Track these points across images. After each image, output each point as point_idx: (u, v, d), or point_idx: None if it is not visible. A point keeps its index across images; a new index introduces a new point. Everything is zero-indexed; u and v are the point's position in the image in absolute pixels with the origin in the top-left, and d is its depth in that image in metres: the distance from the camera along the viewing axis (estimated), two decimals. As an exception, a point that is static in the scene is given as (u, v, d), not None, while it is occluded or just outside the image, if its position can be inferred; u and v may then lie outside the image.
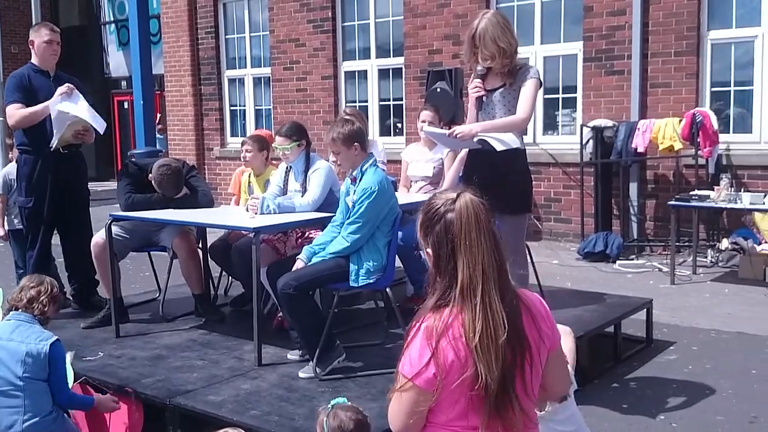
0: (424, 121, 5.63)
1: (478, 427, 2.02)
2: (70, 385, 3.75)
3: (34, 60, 5.36)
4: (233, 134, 12.75)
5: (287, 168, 4.99)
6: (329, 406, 2.48)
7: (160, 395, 3.81)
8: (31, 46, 5.33)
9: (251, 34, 12.27)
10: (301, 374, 4.03)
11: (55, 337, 3.54)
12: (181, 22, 12.81)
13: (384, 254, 4.14)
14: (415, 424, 2.07)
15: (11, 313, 3.61)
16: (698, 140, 7.68)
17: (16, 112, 5.17)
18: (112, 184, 15.15)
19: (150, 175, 5.08)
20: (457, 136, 4.14)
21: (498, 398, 1.98)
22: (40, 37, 5.31)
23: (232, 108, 12.79)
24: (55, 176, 5.28)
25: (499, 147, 4.12)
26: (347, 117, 4.85)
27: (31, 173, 5.26)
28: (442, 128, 5.73)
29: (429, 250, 2.06)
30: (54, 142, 5.15)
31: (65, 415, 3.66)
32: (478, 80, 4.20)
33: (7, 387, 3.42)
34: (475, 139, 4.18)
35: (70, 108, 5.13)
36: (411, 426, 2.07)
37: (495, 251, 2.03)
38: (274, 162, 5.73)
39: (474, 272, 2.00)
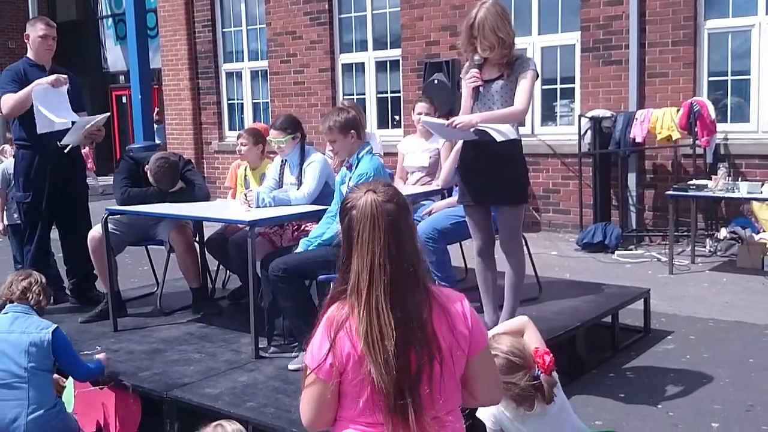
0: (420, 113, 5.62)
1: (383, 424, 1.98)
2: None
3: (29, 54, 5.35)
4: (231, 128, 12.73)
5: (282, 161, 4.98)
6: None
7: (157, 388, 3.82)
8: (26, 41, 5.32)
9: (248, 27, 12.24)
10: (290, 366, 4.01)
11: (55, 325, 3.60)
12: (178, 16, 12.79)
13: (378, 244, 4.13)
14: (321, 417, 2.05)
15: (7, 306, 3.63)
16: (696, 130, 7.67)
17: (8, 100, 5.16)
18: (111, 179, 15.16)
19: (146, 167, 5.08)
20: (456, 126, 4.09)
21: (396, 401, 1.95)
22: (35, 31, 5.29)
23: (229, 102, 12.77)
24: (53, 171, 5.28)
25: (498, 138, 4.10)
26: (342, 107, 4.85)
27: (29, 168, 5.25)
28: (437, 116, 5.75)
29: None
30: (67, 142, 5.12)
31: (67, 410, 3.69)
32: (475, 70, 4.16)
33: (12, 379, 3.44)
34: (473, 130, 4.17)
35: (53, 106, 5.07)
36: (318, 418, 2.05)
37: (396, 251, 1.97)
38: (270, 155, 5.73)
39: (362, 273, 1.97)
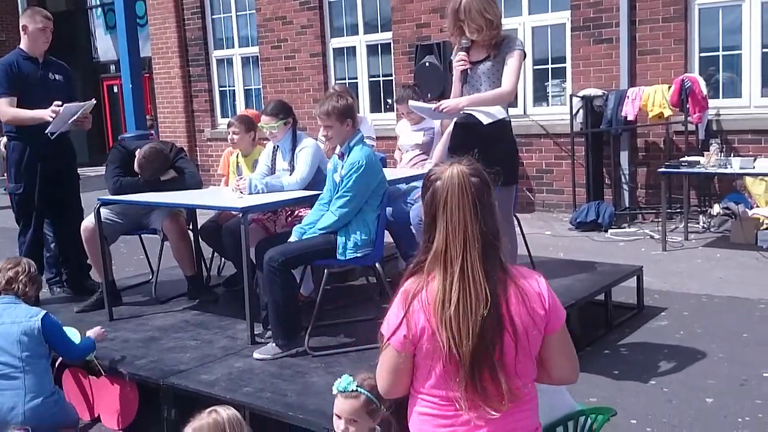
0: (402, 113, 5.68)
1: (456, 400, 2.03)
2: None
3: (23, 45, 5.30)
4: (223, 115, 12.69)
5: (274, 147, 4.98)
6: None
7: (153, 376, 3.83)
8: (23, 31, 5.26)
9: (238, 13, 12.18)
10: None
11: (44, 312, 3.62)
12: (167, 4, 12.71)
13: (372, 229, 4.14)
14: (396, 384, 2.13)
15: None
16: (687, 106, 7.67)
17: (7, 110, 5.11)
18: (103, 169, 15.13)
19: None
20: (444, 110, 4.13)
21: (474, 371, 1.98)
22: (34, 23, 5.24)
23: (221, 89, 12.73)
24: (45, 162, 5.27)
25: (485, 120, 4.12)
26: (339, 92, 4.83)
27: (20, 159, 5.24)
28: (426, 103, 5.75)
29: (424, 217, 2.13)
30: (53, 130, 5.09)
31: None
32: (463, 53, 4.17)
33: (7, 369, 3.46)
34: (462, 113, 4.18)
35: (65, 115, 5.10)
36: (393, 386, 2.13)
37: (483, 224, 2.03)
38: (261, 142, 5.72)
39: (453, 241, 2.01)
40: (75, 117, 5.11)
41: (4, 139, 5.52)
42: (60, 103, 5.05)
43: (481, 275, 2.00)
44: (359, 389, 2.40)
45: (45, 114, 5.03)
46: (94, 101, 5.32)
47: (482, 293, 1.99)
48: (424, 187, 2.13)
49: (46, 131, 5.08)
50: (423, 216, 2.14)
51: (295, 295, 4.18)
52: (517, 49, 4.15)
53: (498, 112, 4.18)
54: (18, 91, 5.14)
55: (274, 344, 4.03)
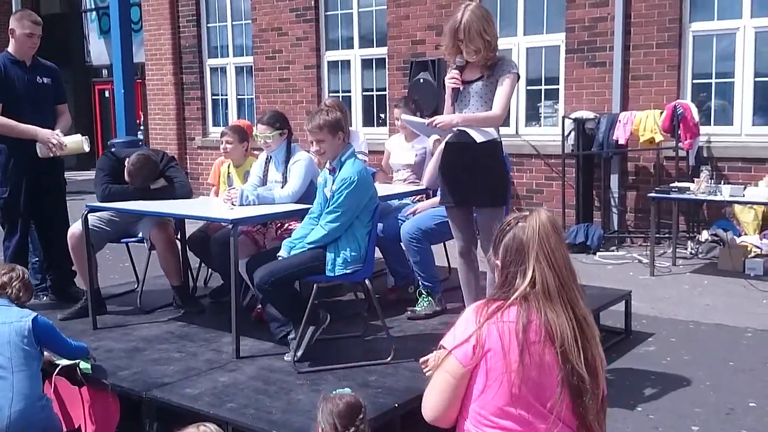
0: (397, 119, 5.65)
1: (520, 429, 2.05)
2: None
3: (10, 49, 5.25)
4: (215, 124, 12.65)
5: (267, 158, 4.96)
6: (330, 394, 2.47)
7: (136, 388, 3.77)
8: (10, 35, 5.21)
9: (233, 23, 12.17)
10: (287, 357, 4.05)
11: (35, 313, 3.62)
12: (163, 10, 12.69)
13: (363, 245, 4.12)
14: (445, 405, 2.10)
15: None
16: (679, 132, 7.71)
17: (1, 121, 5.07)
18: (93, 174, 15.03)
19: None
20: (437, 125, 4.13)
21: (588, 403, 2.06)
22: (21, 28, 5.20)
23: (214, 97, 12.70)
24: (31, 167, 5.21)
25: (479, 138, 4.11)
26: (327, 107, 4.81)
27: (7, 164, 5.18)
28: (416, 116, 5.73)
29: (498, 261, 2.21)
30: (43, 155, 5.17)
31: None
32: (456, 71, 4.17)
33: None
34: (454, 130, 4.18)
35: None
36: (444, 409, 2.10)
37: (570, 266, 2.17)
38: (254, 153, 5.69)
39: (548, 278, 2.11)
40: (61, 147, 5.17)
41: None
42: (59, 132, 5.11)
43: (571, 312, 2.11)
44: None
45: (40, 134, 5.05)
46: (87, 147, 5.33)
47: (592, 327, 2.13)
48: (503, 230, 2.22)
49: (52, 154, 5.14)
50: (502, 259, 2.19)
51: (296, 297, 4.20)
52: (511, 73, 4.15)
53: (491, 131, 4.18)
54: (4, 95, 5.09)
55: (293, 342, 4.04)
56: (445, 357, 2.09)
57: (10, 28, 5.21)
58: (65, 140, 5.19)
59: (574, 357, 2.03)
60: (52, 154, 5.15)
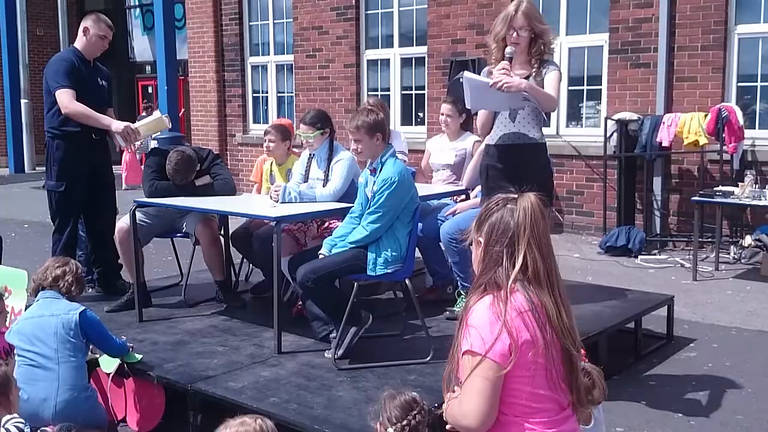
0: (444, 114, 5.65)
1: (562, 404, 2.17)
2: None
3: (79, 45, 5.36)
4: (255, 121, 12.80)
5: (310, 156, 5.01)
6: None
7: (181, 380, 3.85)
8: (83, 33, 5.32)
9: (275, 21, 12.28)
10: (327, 354, 4.11)
11: (83, 307, 3.71)
12: (206, 8, 12.85)
13: (403, 245, 4.15)
14: (490, 409, 2.08)
15: (39, 293, 3.73)
16: (723, 135, 7.60)
17: (76, 105, 5.16)
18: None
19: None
20: (503, 87, 3.87)
21: (579, 377, 2.20)
22: (98, 29, 5.32)
23: (254, 94, 12.83)
24: (86, 161, 5.35)
25: (542, 109, 4.10)
26: (370, 107, 4.85)
27: (64, 158, 5.28)
28: (462, 116, 5.71)
29: (481, 239, 2.22)
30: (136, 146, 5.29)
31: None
32: (506, 62, 4.08)
33: (43, 360, 3.53)
34: (509, 102, 4.04)
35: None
36: (489, 413, 2.08)
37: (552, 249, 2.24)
38: (295, 151, 5.76)
39: (539, 263, 2.15)
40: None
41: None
42: (134, 127, 5.24)
43: (562, 297, 2.19)
44: None
45: (114, 124, 5.17)
46: (168, 123, 5.49)
47: (567, 317, 2.19)
48: (489, 210, 2.22)
49: (130, 144, 5.27)
50: (487, 237, 2.20)
51: (338, 294, 4.23)
52: (555, 69, 4.15)
53: (551, 107, 4.19)
54: (76, 90, 5.21)
55: (336, 341, 4.08)
56: (479, 363, 2.05)
57: (84, 26, 5.32)
58: (140, 124, 5.32)
59: (566, 335, 2.13)
60: (128, 143, 5.25)
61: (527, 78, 4.11)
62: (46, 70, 5.31)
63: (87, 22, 5.36)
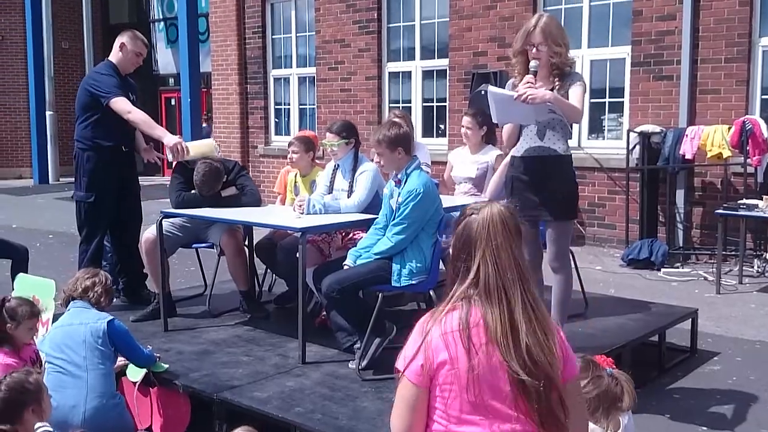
0: (463, 127, 5.68)
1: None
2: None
3: (114, 59, 5.45)
4: (277, 132, 12.89)
5: (335, 167, 5.06)
6: None
7: (207, 390, 3.90)
8: (119, 48, 5.42)
9: (297, 34, 12.39)
10: (351, 365, 4.13)
11: (111, 316, 3.80)
12: (230, 22, 12.99)
13: (428, 256, 4.18)
14: (409, 426, 2.01)
15: (70, 303, 3.80)
16: (747, 148, 7.55)
17: (138, 112, 5.27)
18: (158, 179, 15.43)
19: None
20: (528, 99, 3.90)
21: (547, 403, 1.95)
22: (135, 46, 5.43)
23: (276, 106, 12.93)
24: (117, 172, 5.44)
25: (567, 120, 4.10)
26: (396, 120, 4.89)
27: (94, 169, 5.37)
28: (483, 129, 5.73)
29: (451, 251, 2.13)
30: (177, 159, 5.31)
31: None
32: (530, 76, 4.11)
33: (72, 368, 3.61)
34: (535, 115, 4.04)
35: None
36: (405, 428, 2.01)
37: (521, 262, 2.06)
38: (319, 162, 5.80)
39: (504, 273, 2.01)
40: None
41: None
42: (184, 144, 5.27)
43: (542, 306, 2.03)
44: None
45: (166, 137, 5.25)
46: (217, 152, 5.48)
47: (549, 324, 2.02)
48: (459, 220, 2.13)
49: (177, 160, 5.26)
50: (457, 246, 2.10)
51: (363, 305, 4.25)
52: (580, 82, 4.16)
53: (576, 118, 4.18)
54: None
55: (360, 351, 4.11)
56: (400, 379, 2.01)
57: (120, 42, 5.42)
58: (191, 145, 5.37)
59: (510, 354, 1.95)
60: (176, 157, 5.28)
61: (551, 91, 4.13)
62: (88, 83, 5.38)
63: (124, 38, 5.45)
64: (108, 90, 5.26)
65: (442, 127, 10.73)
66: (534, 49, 4.10)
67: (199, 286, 6.06)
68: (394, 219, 4.19)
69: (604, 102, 9.15)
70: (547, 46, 4.07)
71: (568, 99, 4.11)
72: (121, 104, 5.25)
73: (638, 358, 4.78)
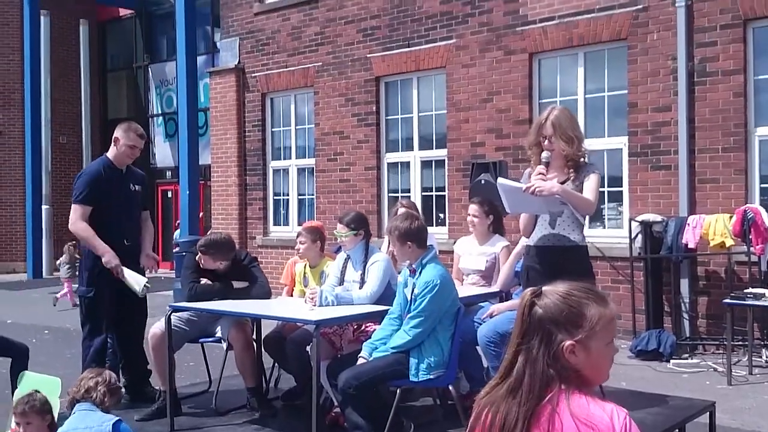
0: (469, 215, 5.68)
1: None
2: None
3: (110, 155, 5.48)
4: (276, 223, 12.90)
5: (346, 258, 5.02)
6: None
7: (218, 493, 3.73)
8: (114, 143, 5.44)
9: (296, 127, 12.57)
10: None
11: (117, 418, 3.64)
12: (230, 116, 13.20)
13: (446, 349, 4.10)
14: None
15: (75, 405, 3.66)
16: (750, 237, 7.58)
17: (80, 225, 5.24)
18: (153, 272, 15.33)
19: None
20: (536, 191, 3.95)
21: None
22: (127, 139, 5.43)
23: (275, 197, 12.99)
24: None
25: (576, 213, 4.08)
26: (405, 213, 4.89)
27: (94, 266, 5.31)
28: (489, 218, 5.73)
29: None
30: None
31: None
32: (542, 167, 4.15)
33: None
34: (546, 206, 4.07)
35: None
36: None
37: None
38: (328, 254, 5.76)
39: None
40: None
41: None
42: (120, 269, 5.21)
43: None
44: None
45: (106, 257, 5.17)
46: (141, 294, 5.37)
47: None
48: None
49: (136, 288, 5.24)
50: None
51: (380, 401, 4.14)
52: (595, 173, 4.20)
53: (586, 211, 4.16)
54: (97, 201, 5.28)
55: None
56: None
57: (114, 136, 5.46)
58: (127, 274, 5.26)
59: None
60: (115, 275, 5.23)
61: (564, 183, 4.15)
62: (74, 181, 5.42)
63: (118, 132, 5.48)
64: (77, 192, 5.30)
65: (441, 216, 10.77)
66: (546, 141, 4.14)
67: (202, 383, 5.90)
68: (410, 312, 4.13)
69: (603, 191, 9.22)
70: (558, 138, 4.12)
71: (582, 191, 4.13)
72: (72, 212, 5.28)
73: (660, 454, 4.63)
